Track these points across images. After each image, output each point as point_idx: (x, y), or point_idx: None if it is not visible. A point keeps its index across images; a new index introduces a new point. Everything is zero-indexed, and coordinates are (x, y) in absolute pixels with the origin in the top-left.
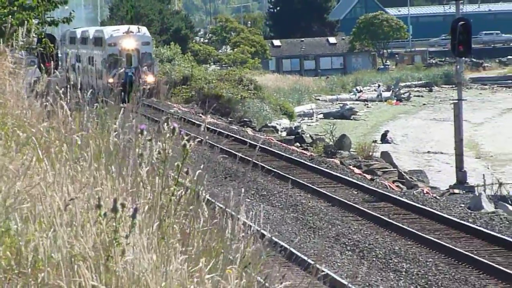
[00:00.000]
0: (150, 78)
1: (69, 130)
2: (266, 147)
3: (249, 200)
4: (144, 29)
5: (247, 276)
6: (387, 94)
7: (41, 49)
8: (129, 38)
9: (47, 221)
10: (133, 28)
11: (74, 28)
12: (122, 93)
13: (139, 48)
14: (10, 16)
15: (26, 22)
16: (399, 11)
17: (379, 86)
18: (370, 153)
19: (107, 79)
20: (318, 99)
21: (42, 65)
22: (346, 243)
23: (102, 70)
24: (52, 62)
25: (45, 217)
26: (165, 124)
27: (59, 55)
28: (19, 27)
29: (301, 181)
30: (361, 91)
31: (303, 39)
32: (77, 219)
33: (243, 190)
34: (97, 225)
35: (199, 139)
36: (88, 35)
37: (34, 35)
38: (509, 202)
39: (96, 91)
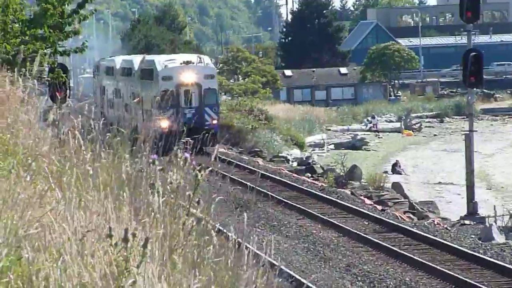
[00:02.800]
0: (214, 121)
1: (81, 159)
2: (277, 177)
3: (259, 230)
4: (206, 59)
5: None
6: (397, 124)
7: (53, 78)
8: (189, 70)
9: (57, 250)
10: (193, 57)
11: (111, 57)
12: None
13: (201, 82)
14: (22, 46)
15: (38, 52)
16: (410, 41)
17: (373, 117)
18: (381, 184)
19: (159, 122)
20: (329, 129)
21: (53, 94)
22: (357, 274)
23: (151, 110)
24: (63, 91)
25: (55, 247)
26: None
27: (71, 84)
28: (31, 57)
29: (312, 211)
30: (374, 117)
31: (314, 69)
32: (87, 248)
33: (254, 221)
34: (107, 255)
35: (210, 169)
36: (132, 65)
37: (46, 65)
38: None
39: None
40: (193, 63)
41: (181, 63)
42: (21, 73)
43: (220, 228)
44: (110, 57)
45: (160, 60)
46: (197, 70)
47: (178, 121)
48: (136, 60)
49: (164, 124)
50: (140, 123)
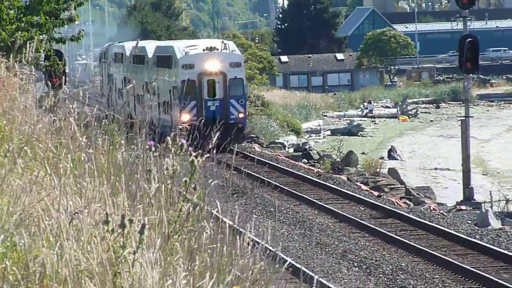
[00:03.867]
0: (240, 115)
1: (77, 146)
2: (273, 163)
3: (256, 216)
4: (232, 45)
5: None
6: (393, 110)
7: (49, 65)
8: (212, 57)
9: (54, 236)
10: (217, 43)
11: (120, 42)
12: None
13: (226, 71)
14: (18, 33)
15: (33, 38)
16: (406, 27)
17: (370, 102)
18: (377, 170)
19: (179, 116)
20: (326, 116)
21: (49, 80)
22: (353, 259)
23: (170, 102)
24: (59, 77)
25: (52, 232)
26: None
27: (67, 71)
28: (27, 43)
29: (308, 197)
30: (370, 102)
31: (310, 55)
32: (83, 234)
33: (251, 207)
34: (104, 241)
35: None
36: (145, 52)
37: (42, 52)
38: None
39: (160, 132)
40: (217, 49)
41: (203, 50)
42: (17, 59)
43: (217, 214)
44: (118, 42)
45: (180, 46)
46: (221, 58)
47: (201, 115)
48: (150, 46)
49: (185, 118)
50: (156, 118)
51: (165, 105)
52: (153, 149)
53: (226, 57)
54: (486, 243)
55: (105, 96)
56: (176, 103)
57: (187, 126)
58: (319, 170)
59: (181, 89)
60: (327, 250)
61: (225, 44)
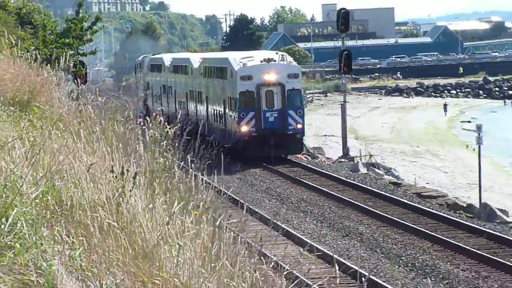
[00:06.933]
0: (298, 126)
1: (93, 122)
2: None
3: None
4: (288, 57)
5: (207, 215)
6: None
7: (76, 71)
8: (270, 69)
9: (77, 180)
10: (273, 55)
11: (154, 55)
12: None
13: (284, 82)
14: (55, 50)
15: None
16: (305, 45)
17: None
18: None
19: (239, 128)
20: None
21: (76, 81)
22: (272, 194)
23: (224, 112)
24: (82, 79)
25: (76, 177)
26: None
27: (89, 77)
28: (61, 56)
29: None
30: None
31: None
32: (96, 179)
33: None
34: (110, 183)
35: (177, 126)
36: (189, 63)
37: (71, 62)
38: (376, 167)
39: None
40: (275, 61)
41: (261, 61)
42: (54, 67)
43: (184, 165)
44: (153, 55)
45: (236, 58)
46: (279, 69)
47: (259, 126)
48: (194, 58)
49: (244, 128)
50: (203, 125)
51: (216, 114)
52: (142, 124)
53: (284, 68)
54: (357, 182)
55: (141, 99)
56: (232, 114)
57: (246, 137)
58: None
59: (239, 100)
60: (255, 188)
61: (282, 55)
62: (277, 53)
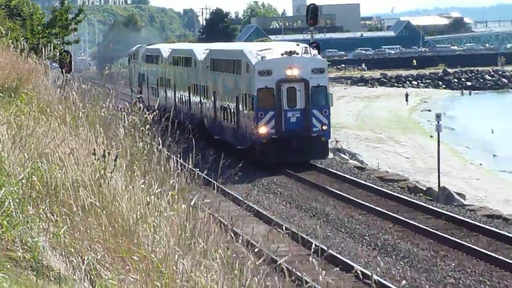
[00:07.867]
0: (324, 127)
1: (77, 108)
2: None
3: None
4: (312, 50)
5: (182, 196)
6: None
7: (61, 59)
8: (292, 62)
9: (62, 162)
10: (295, 47)
11: (150, 44)
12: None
13: (308, 78)
14: (42, 39)
15: (52, 42)
16: (276, 37)
17: None
18: None
19: (256, 129)
20: None
21: (61, 68)
22: (243, 178)
23: (237, 110)
24: (67, 67)
25: (60, 160)
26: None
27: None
28: (47, 45)
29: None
30: None
31: None
32: (79, 161)
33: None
34: (92, 165)
35: (155, 112)
36: (193, 54)
37: (57, 51)
38: (342, 152)
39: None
40: (298, 53)
41: (282, 54)
42: (41, 56)
43: (161, 148)
44: (149, 44)
45: (252, 50)
46: (303, 63)
47: (280, 127)
48: (199, 49)
49: (262, 130)
50: (209, 121)
51: (226, 111)
52: (123, 110)
53: (308, 62)
54: (324, 166)
55: (134, 91)
56: (247, 112)
57: (264, 140)
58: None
59: (257, 97)
60: (228, 171)
61: (305, 47)
62: (298, 45)
